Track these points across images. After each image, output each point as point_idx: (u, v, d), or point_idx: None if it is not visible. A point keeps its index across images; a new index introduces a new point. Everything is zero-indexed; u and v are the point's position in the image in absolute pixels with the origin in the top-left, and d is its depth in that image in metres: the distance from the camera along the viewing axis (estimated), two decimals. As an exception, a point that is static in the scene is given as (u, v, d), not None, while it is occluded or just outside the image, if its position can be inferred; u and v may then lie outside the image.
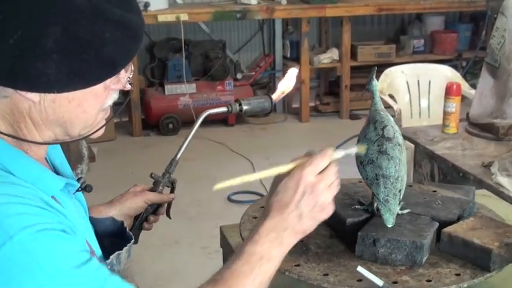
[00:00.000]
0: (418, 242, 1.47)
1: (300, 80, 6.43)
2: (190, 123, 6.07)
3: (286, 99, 6.92)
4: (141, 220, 1.60)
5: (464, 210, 1.64)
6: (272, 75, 6.97)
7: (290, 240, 1.28)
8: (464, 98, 3.44)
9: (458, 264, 1.47)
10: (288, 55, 6.81)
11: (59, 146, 1.35)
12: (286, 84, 1.46)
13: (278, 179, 1.31)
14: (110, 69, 1.15)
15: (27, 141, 1.16)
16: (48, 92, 1.11)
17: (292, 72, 1.52)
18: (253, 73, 6.74)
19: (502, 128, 2.92)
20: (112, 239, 1.34)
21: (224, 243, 1.83)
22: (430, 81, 4.25)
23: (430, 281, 1.41)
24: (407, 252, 1.47)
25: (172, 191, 1.64)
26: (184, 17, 5.89)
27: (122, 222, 1.43)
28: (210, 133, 6.09)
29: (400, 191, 1.54)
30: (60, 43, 1.07)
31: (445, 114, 3.06)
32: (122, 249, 1.31)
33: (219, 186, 1.29)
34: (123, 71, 1.20)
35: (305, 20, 6.32)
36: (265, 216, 1.28)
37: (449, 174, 2.75)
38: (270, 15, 6.27)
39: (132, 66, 1.24)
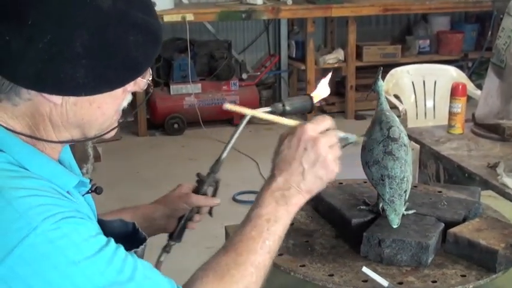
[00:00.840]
0: (423, 243, 1.46)
1: (305, 80, 6.45)
2: (195, 123, 6.12)
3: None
4: (186, 220, 1.61)
5: (469, 211, 1.64)
6: (277, 75, 6.97)
7: (296, 199, 1.29)
8: (470, 99, 3.43)
9: (464, 265, 1.47)
10: (294, 55, 6.81)
11: (68, 147, 1.36)
12: (324, 89, 1.48)
13: (282, 138, 1.34)
14: (133, 72, 1.17)
15: (43, 140, 1.17)
16: (76, 95, 1.12)
17: (327, 78, 1.54)
18: (259, 73, 6.73)
19: (508, 128, 2.91)
20: (122, 239, 1.34)
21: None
22: (435, 82, 4.25)
23: (435, 281, 1.42)
24: (413, 253, 1.47)
25: (215, 191, 1.64)
26: (189, 17, 5.90)
27: (134, 224, 1.43)
28: (215, 133, 6.10)
29: (405, 191, 1.53)
30: (88, 47, 1.08)
31: (451, 114, 3.05)
32: (131, 249, 1.32)
33: (229, 106, 1.35)
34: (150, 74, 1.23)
35: (310, 20, 6.32)
36: (270, 177, 1.30)
37: (455, 175, 2.74)
38: (276, 15, 6.27)
39: (150, 70, 1.25)
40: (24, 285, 1.02)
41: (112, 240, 1.13)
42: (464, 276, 1.43)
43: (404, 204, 1.55)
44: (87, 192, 1.31)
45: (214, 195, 1.63)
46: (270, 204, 1.26)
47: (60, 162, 1.32)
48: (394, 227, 1.50)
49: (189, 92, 6.15)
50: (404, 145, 1.55)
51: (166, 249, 1.57)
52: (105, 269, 1.07)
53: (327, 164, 1.29)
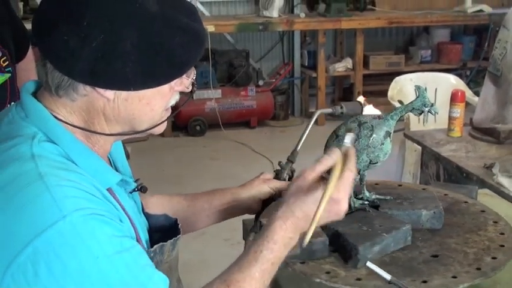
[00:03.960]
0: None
1: (316, 87, 6.44)
2: (215, 125, 6.13)
3: (304, 105, 6.92)
4: (272, 201, 1.64)
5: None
6: (291, 82, 6.97)
7: (297, 239, 1.23)
8: (468, 105, 3.41)
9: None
10: (306, 64, 6.80)
11: (122, 148, 1.39)
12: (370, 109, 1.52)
13: (304, 181, 1.23)
14: (177, 70, 1.18)
15: (96, 132, 1.19)
16: (126, 89, 1.14)
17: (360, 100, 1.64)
18: (274, 80, 6.73)
19: (503, 132, 2.89)
20: (163, 233, 1.35)
21: (246, 235, 1.82)
22: (436, 89, 4.22)
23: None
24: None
25: (290, 178, 1.67)
26: (211, 28, 5.90)
27: (176, 220, 1.43)
28: (234, 135, 6.11)
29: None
30: (136, 46, 1.10)
31: (450, 119, 3.04)
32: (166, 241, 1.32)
33: (307, 239, 1.18)
34: (185, 74, 1.22)
35: (322, 31, 6.31)
36: (286, 219, 1.22)
37: (454, 174, 2.73)
38: (290, 27, 6.27)
39: (195, 71, 1.25)
40: (46, 268, 1.01)
41: (137, 246, 1.12)
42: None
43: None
44: (134, 190, 1.32)
45: (290, 180, 1.65)
46: (279, 249, 1.20)
47: (112, 161, 1.34)
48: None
49: (210, 97, 6.16)
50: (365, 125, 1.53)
51: (254, 229, 1.56)
52: (122, 270, 1.05)
53: (341, 217, 1.23)
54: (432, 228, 1.56)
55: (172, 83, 1.20)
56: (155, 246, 1.29)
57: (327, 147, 1.57)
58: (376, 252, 1.43)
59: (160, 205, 1.61)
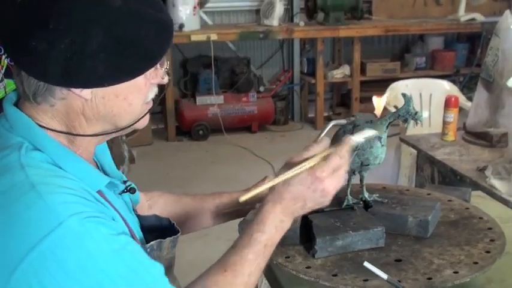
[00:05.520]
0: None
1: (315, 93, 6.44)
2: (218, 130, 6.13)
3: (303, 110, 6.92)
4: None
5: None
6: (291, 88, 6.97)
7: (290, 223, 1.27)
8: (461, 109, 3.41)
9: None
10: (305, 70, 6.80)
11: (107, 150, 1.37)
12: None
13: (289, 166, 1.29)
14: (148, 62, 1.16)
15: (79, 135, 1.17)
16: (100, 86, 1.12)
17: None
18: (274, 86, 6.73)
19: (495, 136, 2.89)
20: (157, 233, 1.35)
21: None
22: (431, 94, 4.23)
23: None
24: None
25: None
26: (213, 36, 5.91)
27: (168, 219, 1.42)
28: (235, 139, 6.10)
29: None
30: (104, 43, 1.08)
31: (444, 123, 3.04)
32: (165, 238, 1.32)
33: (244, 198, 1.30)
34: (159, 65, 1.21)
35: (320, 39, 6.32)
36: (274, 202, 1.26)
37: (448, 177, 2.73)
38: (290, 35, 6.27)
39: (167, 61, 1.24)
40: (49, 276, 1.00)
41: (133, 241, 1.11)
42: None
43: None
44: (123, 192, 1.30)
45: None
46: (270, 231, 1.23)
47: (99, 164, 1.33)
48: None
49: (212, 103, 6.16)
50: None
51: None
52: (121, 267, 1.05)
53: (327, 198, 1.27)
54: (418, 236, 1.52)
55: (147, 75, 1.18)
56: (152, 242, 1.28)
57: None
58: (339, 247, 1.44)
59: (169, 205, 1.62)
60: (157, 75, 1.21)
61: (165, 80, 1.24)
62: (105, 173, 1.32)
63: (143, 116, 1.23)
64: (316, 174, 1.24)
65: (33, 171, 1.08)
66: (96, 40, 1.08)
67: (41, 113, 1.15)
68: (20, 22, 1.09)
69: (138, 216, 1.40)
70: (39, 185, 1.05)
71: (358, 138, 1.35)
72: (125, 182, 1.33)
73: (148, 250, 1.26)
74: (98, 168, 1.32)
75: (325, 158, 1.26)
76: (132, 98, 1.17)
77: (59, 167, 1.12)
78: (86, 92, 1.13)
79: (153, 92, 1.23)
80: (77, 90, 1.12)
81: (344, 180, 1.29)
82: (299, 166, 1.27)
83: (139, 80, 1.17)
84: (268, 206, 1.26)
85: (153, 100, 1.25)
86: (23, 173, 1.07)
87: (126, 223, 1.22)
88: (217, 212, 1.64)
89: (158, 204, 1.61)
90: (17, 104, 1.18)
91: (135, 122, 1.22)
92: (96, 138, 1.22)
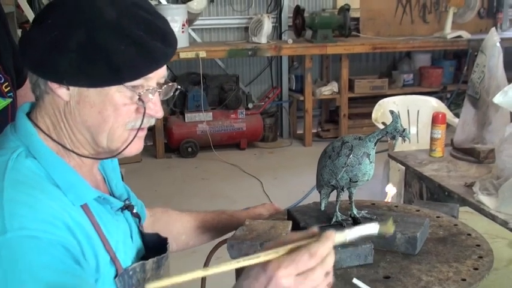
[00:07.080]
0: None
1: (303, 110, 6.46)
2: (207, 147, 6.13)
3: (292, 127, 6.93)
4: None
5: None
6: (279, 105, 6.98)
7: None
8: (448, 126, 3.42)
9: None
10: (294, 87, 6.83)
11: (118, 168, 1.39)
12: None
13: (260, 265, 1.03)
14: (113, 77, 1.14)
15: (72, 151, 1.20)
16: (59, 81, 1.15)
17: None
18: (263, 103, 6.75)
19: (482, 152, 2.90)
20: (156, 252, 1.34)
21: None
22: (418, 111, 4.25)
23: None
24: None
25: None
26: (202, 54, 5.92)
27: (166, 238, 1.41)
28: (224, 156, 6.10)
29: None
30: (81, 45, 1.12)
31: (432, 140, 3.05)
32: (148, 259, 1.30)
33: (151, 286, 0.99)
34: (151, 98, 1.19)
35: (308, 57, 6.34)
36: (251, 279, 1.04)
37: (436, 193, 2.73)
38: (278, 52, 6.29)
39: (159, 96, 1.22)
40: None
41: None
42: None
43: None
44: (120, 210, 1.30)
45: None
46: None
47: (107, 182, 1.35)
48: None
49: (201, 120, 6.16)
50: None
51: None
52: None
53: None
54: (407, 253, 1.50)
55: (127, 99, 1.16)
56: (134, 265, 1.26)
57: (320, 164, 1.57)
58: None
59: (171, 223, 1.64)
60: (149, 107, 1.19)
61: (159, 114, 1.22)
62: (111, 189, 1.34)
63: (130, 143, 1.20)
64: (272, 273, 0.99)
65: (12, 176, 1.10)
66: (76, 40, 1.12)
67: (38, 111, 1.21)
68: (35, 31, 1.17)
69: (143, 234, 1.39)
70: (8, 190, 1.07)
71: (344, 236, 1.08)
72: (125, 200, 1.32)
73: (131, 273, 1.24)
74: (104, 181, 1.33)
75: (292, 250, 1.01)
76: (107, 115, 1.16)
77: (50, 176, 1.14)
78: (62, 91, 1.16)
79: (140, 120, 1.19)
80: (54, 86, 1.15)
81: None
82: (256, 255, 1.02)
83: (116, 97, 1.15)
84: (247, 281, 1.06)
85: (141, 129, 1.21)
86: (1, 176, 1.10)
87: (105, 242, 1.19)
88: (217, 232, 1.70)
89: (161, 222, 1.62)
90: (29, 114, 1.23)
91: (122, 150, 1.21)
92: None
